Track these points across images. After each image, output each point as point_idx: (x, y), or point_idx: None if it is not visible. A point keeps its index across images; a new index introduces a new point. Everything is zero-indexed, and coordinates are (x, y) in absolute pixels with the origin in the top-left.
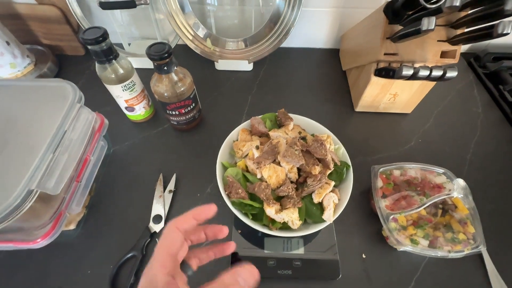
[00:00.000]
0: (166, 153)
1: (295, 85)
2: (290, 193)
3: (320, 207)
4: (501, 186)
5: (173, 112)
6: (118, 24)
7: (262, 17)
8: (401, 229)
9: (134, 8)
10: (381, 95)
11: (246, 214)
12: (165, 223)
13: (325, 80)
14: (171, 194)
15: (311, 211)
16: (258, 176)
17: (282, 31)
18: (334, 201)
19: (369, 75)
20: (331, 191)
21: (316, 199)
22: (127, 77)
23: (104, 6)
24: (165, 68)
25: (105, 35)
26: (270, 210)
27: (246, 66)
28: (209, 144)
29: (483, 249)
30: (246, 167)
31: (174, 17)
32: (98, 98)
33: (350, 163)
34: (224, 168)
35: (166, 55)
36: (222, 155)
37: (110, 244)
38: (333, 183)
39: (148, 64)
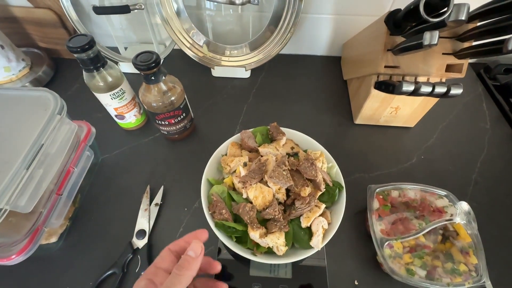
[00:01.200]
0: (156, 163)
1: (293, 94)
2: (277, 216)
3: (309, 231)
4: (508, 211)
5: (163, 122)
6: (114, 28)
7: (261, 23)
8: (397, 256)
9: (129, 13)
10: (381, 108)
11: (230, 236)
12: (150, 238)
13: (325, 89)
14: (157, 207)
15: (299, 236)
16: (244, 196)
17: (281, 37)
18: (323, 226)
19: (369, 88)
20: (321, 214)
21: (304, 223)
22: (116, 85)
23: (98, 11)
24: (153, 78)
25: (91, 43)
26: (254, 234)
27: (243, 73)
28: (200, 156)
29: (486, 283)
30: (233, 184)
31: (169, 22)
32: (90, 104)
33: (343, 184)
34: (210, 185)
35: (153, 64)
36: (209, 171)
37: (92, 259)
38: (323, 206)
39: None
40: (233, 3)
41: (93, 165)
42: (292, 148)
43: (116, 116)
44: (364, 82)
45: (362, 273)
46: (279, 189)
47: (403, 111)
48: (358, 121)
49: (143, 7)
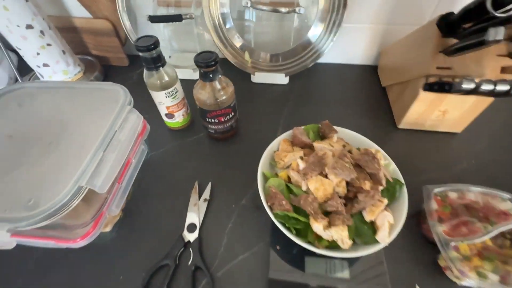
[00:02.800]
0: (201, 161)
1: (332, 100)
2: (340, 209)
3: (372, 226)
4: None
5: (213, 120)
6: (160, 38)
7: (302, 32)
8: (464, 259)
9: (180, 21)
10: (428, 112)
11: (289, 229)
12: (200, 232)
13: (364, 96)
14: (206, 203)
15: (362, 231)
16: (303, 188)
17: (321, 46)
18: (389, 221)
19: (417, 90)
20: (384, 210)
21: (368, 217)
22: (171, 84)
23: (153, 19)
24: (211, 75)
25: (156, 44)
26: (318, 226)
27: (282, 79)
28: (244, 155)
29: None
30: (289, 178)
31: (216, 31)
32: (137, 106)
33: (403, 181)
34: (265, 178)
35: (213, 63)
36: (263, 165)
37: (144, 251)
38: (386, 200)
39: (187, 75)
40: (278, 11)
41: (144, 161)
42: (344, 146)
43: (166, 114)
44: (409, 86)
45: (423, 278)
46: (339, 182)
47: (451, 114)
48: (402, 125)
49: (193, 16)
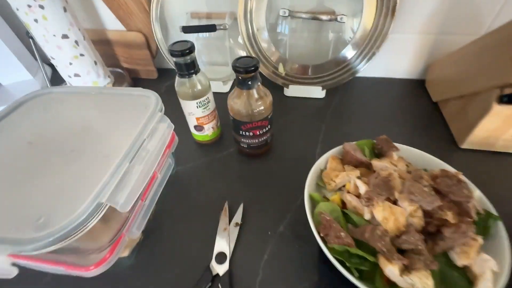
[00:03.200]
0: (232, 179)
1: (375, 116)
2: (419, 247)
3: (464, 273)
4: None
5: (247, 133)
6: None
7: (341, 43)
8: None
9: (214, 31)
10: (502, 129)
11: (349, 269)
12: (230, 264)
13: (412, 112)
14: (238, 227)
15: (452, 278)
16: (366, 217)
17: (362, 58)
18: (492, 268)
19: (488, 104)
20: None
21: (460, 261)
22: (203, 93)
23: (186, 30)
24: (249, 82)
25: (191, 49)
26: (392, 269)
27: (318, 93)
28: (279, 174)
29: None
30: (343, 203)
31: (250, 42)
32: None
33: (496, 213)
34: (313, 202)
35: (253, 68)
36: (309, 186)
37: (165, 283)
38: (480, 239)
39: (217, 87)
40: (318, 19)
41: (169, 176)
42: (407, 166)
43: (195, 126)
44: (476, 100)
45: None
46: (414, 211)
47: None
48: (465, 145)
49: (227, 26)
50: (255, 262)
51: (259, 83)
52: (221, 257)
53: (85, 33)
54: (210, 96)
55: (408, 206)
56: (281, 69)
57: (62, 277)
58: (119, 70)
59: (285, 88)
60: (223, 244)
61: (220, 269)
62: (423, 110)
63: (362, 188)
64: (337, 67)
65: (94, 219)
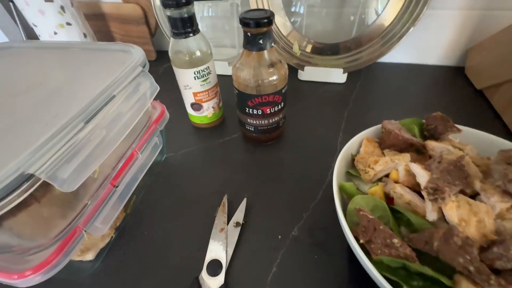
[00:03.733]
0: (234, 170)
1: (406, 104)
2: None
3: None
4: None
5: (255, 111)
6: None
7: (365, 20)
8: None
9: (222, 0)
10: None
11: None
12: (226, 275)
13: (451, 101)
14: (239, 228)
15: None
16: (431, 217)
17: (391, 37)
18: None
19: None
20: None
21: None
22: (202, 61)
23: None
24: (260, 41)
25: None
26: None
27: (338, 76)
28: (293, 166)
29: None
30: (387, 198)
31: None
32: (160, 101)
33: None
34: (344, 196)
35: (266, 21)
36: (338, 174)
37: None
38: None
39: (222, 69)
40: None
41: (155, 162)
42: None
43: (192, 105)
44: None
45: None
46: (507, 210)
47: None
48: None
49: None
50: (260, 275)
51: (272, 44)
52: (214, 267)
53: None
54: (211, 66)
55: (499, 202)
56: (295, 48)
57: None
58: None
59: (299, 71)
60: (218, 248)
61: (213, 283)
62: (465, 99)
63: (423, 175)
64: (361, 47)
65: (15, 196)
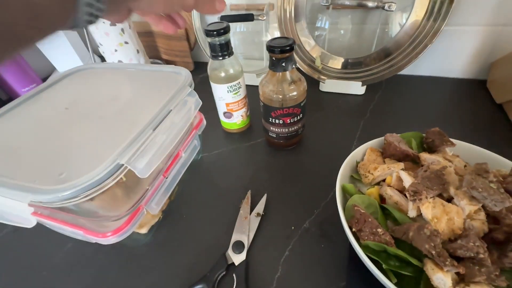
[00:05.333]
0: (257, 169)
1: (423, 117)
2: (481, 255)
3: None
4: None
5: (277, 121)
6: None
7: (384, 35)
8: None
9: (252, 21)
10: None
11: (385, 272)
12: (247, 254)
13: (469, 115)
14: (259, 218)
15: None
16: (411, 214)
17: (410, 52)
18: None
19: None
20: None
21: None
22: (235, 77)
23: (224, 19)
24: (283, 64)
25: (226, 29)
26: (443, 277)
27: (357, 89)
28: (309, 169)
29: None
30: (381, 199)
31: (286, 31)
32: None
33: None
34: (346, 195)
35: (288, 48)
36: (342, 177)
37: (179, 265)
38: None
39: (250, 80)
40: (364, 6)
41: (193, 160)
42: (465, 166)
43: (224, 113)
44: None
45: None
46: (475, 212)
47: None
48: None
49: (265, 17)
50: (275, 257)
51: (293, 66)
52: (238, 246)
53: (130, 22)
54: (241, 81)
55: (468, 205)
56: (317, 62)
57: (81, 245)
58: (159, 61)
59: (320, 83)
60: (242, 233)
61: (237, 258)
62: (484, 113)
63: (408, 181)
64: (380, 62)
65: (112, 179)
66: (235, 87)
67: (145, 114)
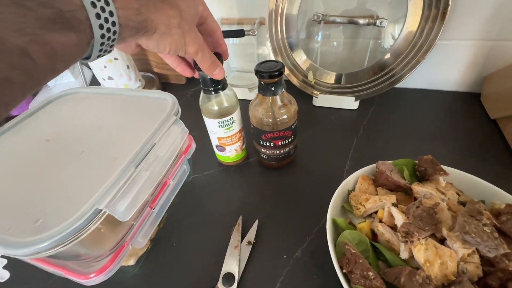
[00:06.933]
0: (249, 192)
1: (417, 133)
2: None
3: None
4: None
5: (268, 144)
6: None
7: (379, 49)
8: None
9: (242, 37)
10: None
11: None
12: (238, 287)
13: (463, 130)
14: (250, 246)
15: None
16: (403, 255)
17: (402, 68)
18: None
19: None
20: None
21: None
22: (228, 112)
23: None
24: (272, 88)
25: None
26: None
27: (350, 104)
28: (302, 191)
29: None
30: (373, 233)
31: (278, 48)
32: (186, 123)
33: None
34: (337, 228)
35: (277, 73)
36: (333, 209)
37: None
38: None
39: (243, 94)
40: (355, 23)
41: (183, 183)
42: (458, 195)
43: (217, 146)
44: None
45: None
46: (469, 255)
47: None
48: None
49: (256, 32)
50: None
51: (283, 90)
52: (228, 278)
53: None
54: (236, 116)
55: (461, 248)
56: (310, 77)
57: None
58: (150, 74)
59: (313, 98)
60: (232, 263)
61: None
62: (478, 129)
63: (399, 219)
64: (374, 77)
65: (91, 225)
66: (227, 122)
67: (127, 149)
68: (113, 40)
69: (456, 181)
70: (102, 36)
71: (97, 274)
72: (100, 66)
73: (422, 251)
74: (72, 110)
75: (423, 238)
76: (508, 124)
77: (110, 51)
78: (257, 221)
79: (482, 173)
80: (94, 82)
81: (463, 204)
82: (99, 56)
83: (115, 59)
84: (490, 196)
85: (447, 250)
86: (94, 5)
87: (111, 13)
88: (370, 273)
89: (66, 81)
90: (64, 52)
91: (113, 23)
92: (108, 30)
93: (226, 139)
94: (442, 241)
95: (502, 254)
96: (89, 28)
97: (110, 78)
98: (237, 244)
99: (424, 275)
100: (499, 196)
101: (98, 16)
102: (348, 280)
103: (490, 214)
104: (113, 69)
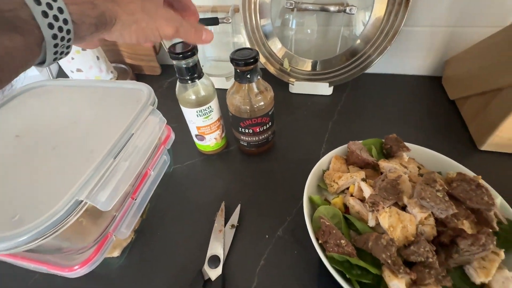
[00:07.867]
0: (230, 179)
1: (386, 115)
2: (430, 259)
3: None
4: None
5: (246, 130)
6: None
7: (348, 38)
8: None
9: (217, 25)
10: None
11: (349, 281)
12: (224, 268)
13: (426, 111)
14: (234, 229)
15: None
16: (371, 223)
17: (371, 54)
18: None
19: None
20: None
21: (478, 278)
22: (205, 101)
23: None
24: (248, 76)
25: (194, 50)
26: (398, 284)
27: (325, 89)
28: (281, 174)
29: None
30: (345, 207)
31: (253, 36)
32: (165, 115)
33: None
34: (313, 205)
35: (252, 60)
36: (309, 188)
37: (156, 286)
38: (502, 253)
39: (220, 83)
40: (326, 10)
41: (164, 174)
42: (419, 168)
43: (196, 136)
44: (499, 97)
45: None
46: (425, 218)
47: None
48: (485, 147)
49: (230, 20)
50: (251, 267)
51: (259, 77)
52: (214, 261)
53: None
54: (213, 104)
55: (419, 213)
56: (286, 64)
57: (51, 275)
58: (123, 66)
59: (290, 85)
60: (217, 246)
61: (213, 273)
62: (439, 109)
63: (367, 191)
64: (346, 63)
65: (72, 217)
66: (205, 111)
67: (104, 141)
68: (69, 40)
69: (418, 156)
70: (54, 36)
71: (81, 265)
72: (67, 57)
73: (386, 218)
74: (40, 105)
75: (387, 207)
76: (465, 104)
77: (68, 53)
78: (239, 205)
79: (441, 149)
80: (61, 74)
81: (422, 175)
82: (55, 60)
83: (83, 49)
84: (447, 168)
85: (408, 215)
86: (38, 2)
87: (60, 10)
88: (343, 241)
89: (29, 74)
90: (10, 57)
91: (65, 21)
92: (60, 29)
93: (205, 128)
94: (404, 208)
95: (452, 214)
96: (37, 28)
97: (79, 70)
98: (221, 228)
99: (388, 238)
100: (454, 167)
101: (45, 14)
102: (323, 250)
103: (443, 182)
104: (81, 61)
